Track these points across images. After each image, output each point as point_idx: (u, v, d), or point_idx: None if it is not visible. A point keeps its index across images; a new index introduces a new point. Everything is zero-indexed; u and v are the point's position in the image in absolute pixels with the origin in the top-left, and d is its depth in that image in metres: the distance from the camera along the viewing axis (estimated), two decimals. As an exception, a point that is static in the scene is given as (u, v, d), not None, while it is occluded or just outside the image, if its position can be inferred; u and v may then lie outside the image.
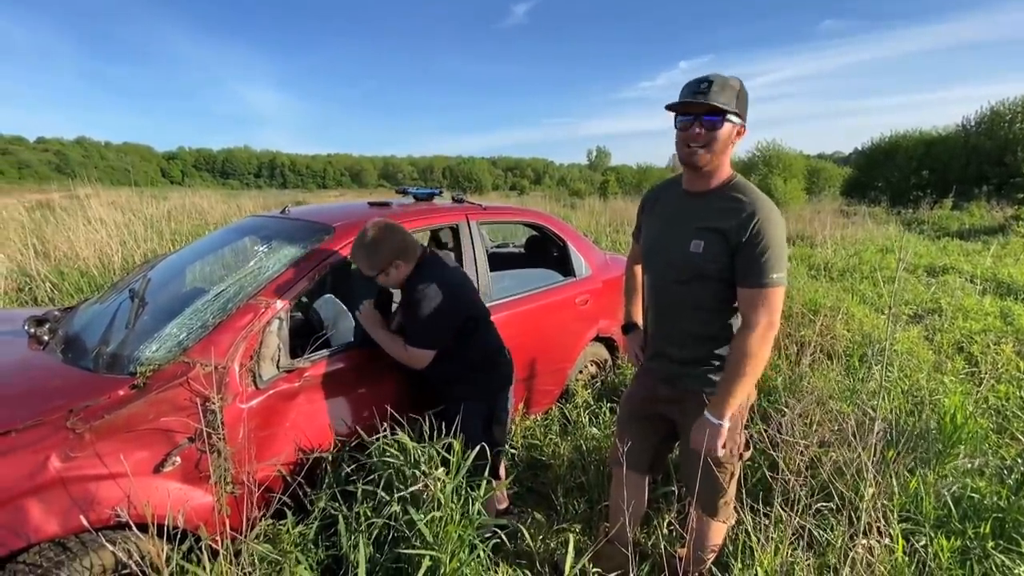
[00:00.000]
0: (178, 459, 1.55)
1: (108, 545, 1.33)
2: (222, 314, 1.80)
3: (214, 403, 1.56)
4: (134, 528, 1.34)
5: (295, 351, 1.91)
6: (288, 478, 1.76)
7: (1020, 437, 2.62)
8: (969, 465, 2.30)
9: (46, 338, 2.03)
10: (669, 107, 1.45)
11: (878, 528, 1.64)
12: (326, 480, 1.79)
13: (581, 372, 3.25)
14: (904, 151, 24.39)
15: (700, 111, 1.40)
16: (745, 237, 1.40)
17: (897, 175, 23.50)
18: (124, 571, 1.41)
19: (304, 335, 2.01)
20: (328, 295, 2.44)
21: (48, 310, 2.40)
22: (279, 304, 1.84)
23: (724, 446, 1.49)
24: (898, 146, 25.17)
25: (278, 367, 1.81)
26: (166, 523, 1.45)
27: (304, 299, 2.58)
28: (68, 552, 1.38)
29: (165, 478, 1.54)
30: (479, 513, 1.63)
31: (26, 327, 2.06)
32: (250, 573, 1.37)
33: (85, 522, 1.33)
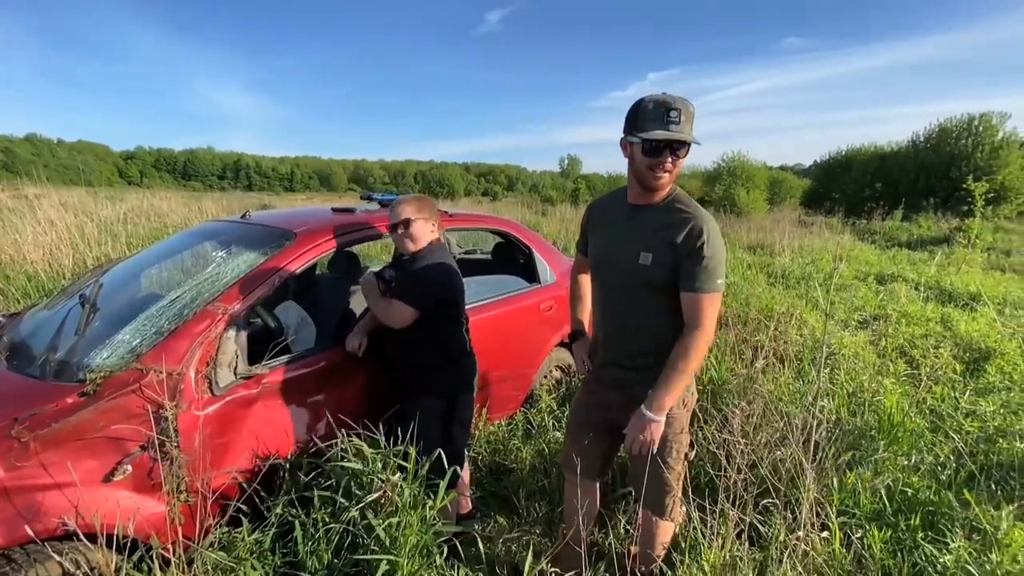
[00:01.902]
0: (129, 468, 1.53)
1: (55, 556, 1.30)
2: (178, 320, 1.78)
3: (168, 410, 1.54)
4: (82, 538, 1.32)
5: (255, 358, 1.90)
6: (244, 485, 1.75)
7: (953, 435, 2.79)
8: (905, 462, 2.44)
9: (-10, 345, 1.96)
10: (645, 139, 1.42)
11: (814, 522, 1.74)
12: (283, 487, 1.79)
13: (546, 377, 3.30)
14: (859, 164, 25.58)
15: (672, 142, 1.43)
16: (694, 248, 1.48)
17: (852, 187, 24.60)
18: (71, 582, 1.38)
19: (264, 342, 2.00)
20: (289, 301, 2.43)
21: (-8, 316, 2.31)
22: (237, 310, 1.83)
23: (668, 447, 1.54)
24: (854, 159, 26.38)
25: (235, 374, 1.80)
26: (116, 533, 1.43)
27: (264, 305, 2.55)
28: (13, 564, 1.34)
29: (115, 487, 1.51)
30: (435, 519, 1.65)
31: (-32, 333, 1.98)
32: (203, 581, 1.36)
33: (31, 532, 1.30)
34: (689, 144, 1.46)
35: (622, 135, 1.54)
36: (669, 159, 1.46)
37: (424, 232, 2.06)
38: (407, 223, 2.02)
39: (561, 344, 3.29)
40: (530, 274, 3.24)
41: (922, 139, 23.85)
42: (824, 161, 28.72)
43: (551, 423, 2.95)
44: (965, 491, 1.96)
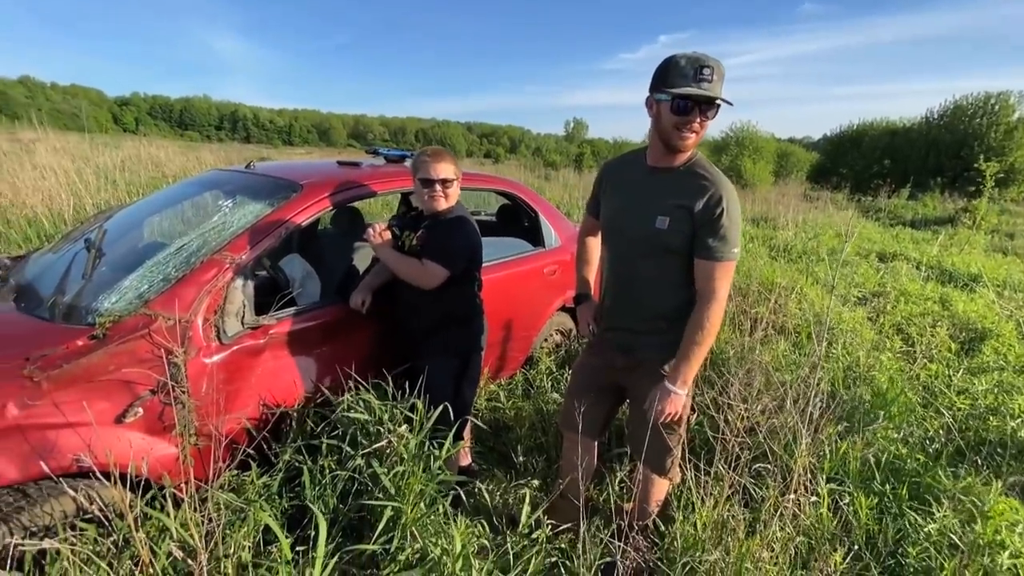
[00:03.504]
0: (140, 410, 1.56)
1: (69, 491, 1.34)
2: (185, 268, 1.78)
3: (177, 356, 1.56)
4: (97, 475, 1.35)
5: (261, 308, 1.91)
6: (253, 432, 1.79)
7: (944, 411, 2.85)
8: (895, 435, 2.50)
9: (-4, 286, 1.96)
10: (676, 95, 1.38)
11: (806, 486, 1.79)
12: (291, 434, 1.83)
13: (546, 340, 3.34)
14: (870, 139, 25.17)
15: (703, 100, 1.38)
16: (712, 216, 1.46)
17: (861, 163, 24.28)
18: (85, 516, 1.42)
19: (270, 293, 2.00)
20: (294, 254, 2.42)
21: (-4, 258, 2.31)
22: (244, 260, 1.83)
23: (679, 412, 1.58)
24: (864, 134, 25.94)
25: (243, 323, 1.80)
26: (129, 473, 1.47)
27: (270, 257, 2.55)
28: (28, 498, 1.38)
29: (127, 428, 1.55)
30: (440, 469, 1.70)
31: (-26, 274, 1.98)
32: (215, 519, 1.41)
33: (46, 469, 1.33)
34: (719, 106, 1.42)
35: (648, 93, 1.49)
36: (698, 119, 1.42)
37: (457, 192, 2.04)
38: (446, 183, 1.97)
39: (562, 308, 3.31)
40: (535, 237, 3.22)
41: (936, 116, 23.39)
42: (834, 135, 28.25)
43: (549, 384, 3.00)
44: (941, 464, 2.02)
